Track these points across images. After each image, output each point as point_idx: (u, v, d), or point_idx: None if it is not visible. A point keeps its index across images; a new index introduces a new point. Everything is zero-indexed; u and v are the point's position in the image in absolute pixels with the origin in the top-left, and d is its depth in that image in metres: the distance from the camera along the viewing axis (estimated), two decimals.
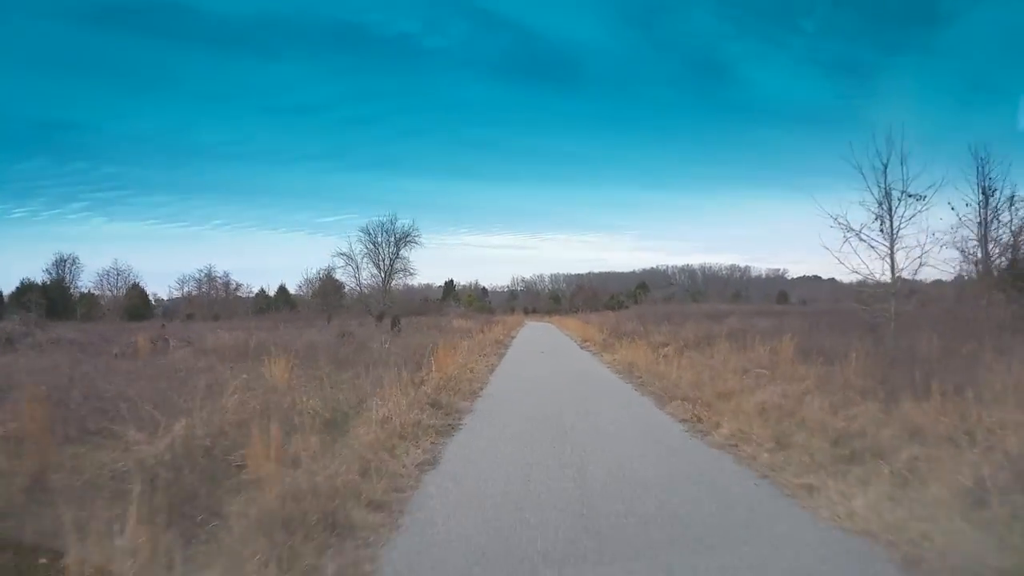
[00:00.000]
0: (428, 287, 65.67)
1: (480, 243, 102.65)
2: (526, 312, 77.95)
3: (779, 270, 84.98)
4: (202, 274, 53.96)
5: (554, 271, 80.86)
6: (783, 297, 75.36)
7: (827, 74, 39.28)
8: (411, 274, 44.24)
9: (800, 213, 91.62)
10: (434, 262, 65.68)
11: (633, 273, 76.94)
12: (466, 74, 45.24)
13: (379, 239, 44.17)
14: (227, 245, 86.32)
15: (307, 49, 43.31)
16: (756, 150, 59.21)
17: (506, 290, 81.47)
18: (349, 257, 43.58)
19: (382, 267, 43.41)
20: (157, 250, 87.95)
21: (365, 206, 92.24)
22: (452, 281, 63.64)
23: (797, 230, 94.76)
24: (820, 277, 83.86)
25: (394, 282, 44.26)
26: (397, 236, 44.46)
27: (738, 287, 77.52)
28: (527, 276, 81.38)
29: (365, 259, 43.11)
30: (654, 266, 77.66)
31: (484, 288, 75.64)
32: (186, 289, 53.50)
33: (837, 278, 53.68)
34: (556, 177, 74.73)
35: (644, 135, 54.64)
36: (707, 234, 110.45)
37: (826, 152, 56.29)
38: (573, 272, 78.11)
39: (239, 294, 55.29)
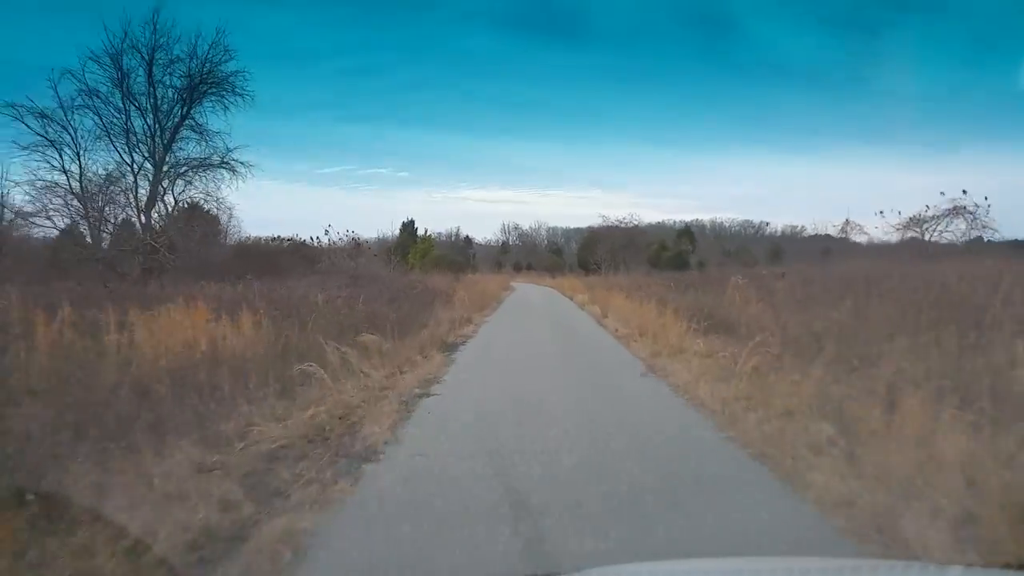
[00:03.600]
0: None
1: (481, 198, 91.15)
2: (517, 269, 61.92)
3: (797, 227, 72.52)
4: None
5: (552, 225, 65.89)
6: (826, 254, 62.74)
7: (831, 31, 38.16)
8: (235, 173, 18.29)
9: (802, 172, 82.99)
10: (437, 218, 54.26)
11: (637, 228, 64.26)
12: (471, 26, 42.81)
13: (130, 70, 17.01)
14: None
15: None
16: (760, 108, 56.06)
17: (498, 242, 64.55)
18: (62, 126, 16.53)
19: (151, 144, 17.09)
20: None
21: (367, 158, 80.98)
22: (412, 222, 44.13)
23: (799, 189, 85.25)
24: (832, 236, 74.10)
25: (189, 190, 18.21)
26: (192, 76, 16.74)
27: (757, 244, 64.40)
28: (524, 227, 65.07)
29: (99, 133, 17.09)
30: (659, 221, 64.65)
31: (467, 237, 58.56)
32: None
33: (848, 238, 47.31)
34: (557, 133, 73.01)
35: (647, 92, 53.32)
36: (707, 192, 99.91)
37: (830, 111, 55.97)
38: (573, 227, 63.39)
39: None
